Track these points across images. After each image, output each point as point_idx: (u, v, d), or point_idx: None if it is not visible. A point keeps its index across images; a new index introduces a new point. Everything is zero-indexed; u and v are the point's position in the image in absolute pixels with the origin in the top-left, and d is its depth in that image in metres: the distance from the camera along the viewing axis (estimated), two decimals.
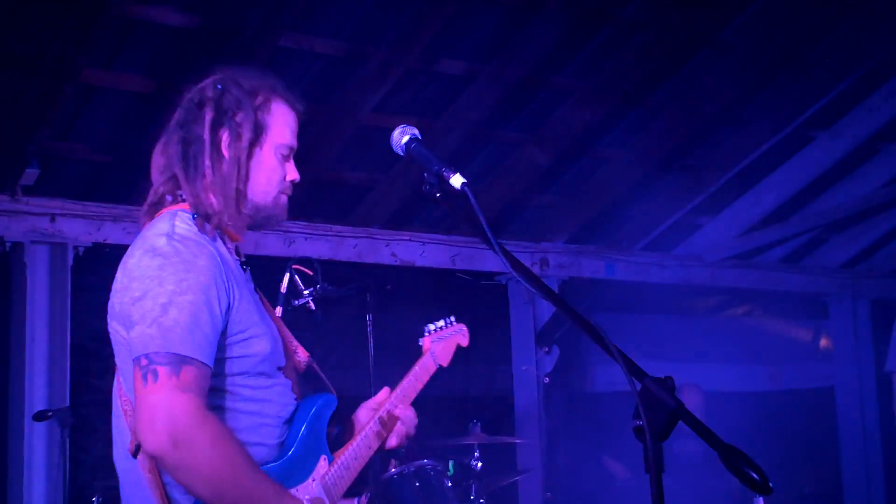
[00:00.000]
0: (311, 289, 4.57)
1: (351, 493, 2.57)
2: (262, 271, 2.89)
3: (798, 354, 9.32)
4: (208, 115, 2.43)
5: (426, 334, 3.06)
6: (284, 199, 2.54)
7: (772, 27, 6.16)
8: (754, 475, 1.77)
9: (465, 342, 3.17)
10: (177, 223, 2.37)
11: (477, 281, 7.21)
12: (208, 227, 2.40)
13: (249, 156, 2.45)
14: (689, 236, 8.05)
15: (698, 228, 8.03)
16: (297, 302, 4.52)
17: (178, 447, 2.16)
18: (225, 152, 2.43)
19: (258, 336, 2.38)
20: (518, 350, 7.31)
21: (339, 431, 2.65)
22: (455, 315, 3.17)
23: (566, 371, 7.43)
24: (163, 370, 2.19)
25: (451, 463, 4.98)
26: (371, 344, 4.97)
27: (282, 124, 2.51)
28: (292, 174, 2.54)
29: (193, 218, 2.40)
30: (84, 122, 5.47)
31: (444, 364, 3.05)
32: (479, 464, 5.13)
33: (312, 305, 4.62)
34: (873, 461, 8.42)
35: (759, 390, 8.98)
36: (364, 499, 2.66)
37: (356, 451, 2.61)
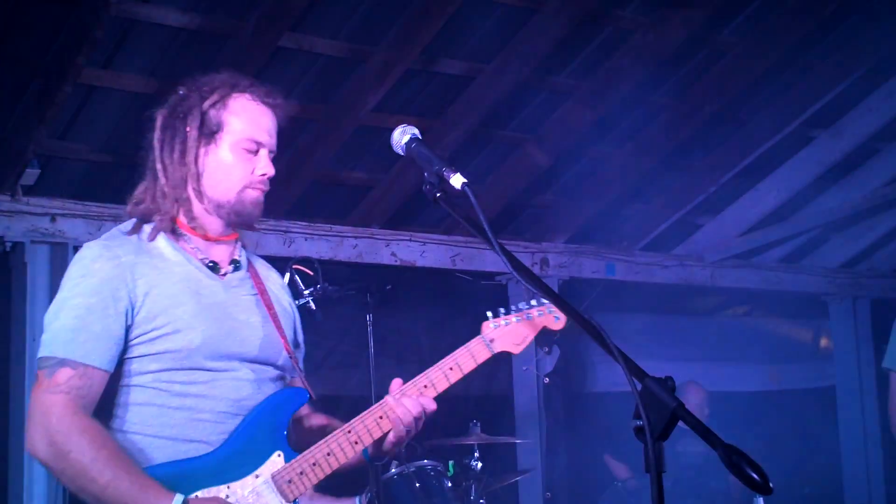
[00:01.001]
0: (312, 289, 4.58)
1: (350, 492, 2.55)
2: None
3: (798, 354, 9.32)
4: (158, 122, 2.47)
5: (490, 317, 2.57)
6: (254, 194, 2.47)
7: (772, 27, 6.16)
8: (755, 475, 1.76)
9: (555, 324, 2.59)
10: (115, 229, 2.45)
11: (477, 281, 7.20)
12: (145, 227, 2.43)
13: (199, 154, 2.44)
14: (689, 236, 8.04)
15: (698, 228, 8.03)
16: (297, 302, 4.51)
17: (44, 448, 2.23)
18: (175, 155, 2.44)
19: (183, 330, 2.35)
20: None
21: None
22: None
23: (566, 371, 7.42)
24: (41, 374, 2.27)
25: (451, 463, 4.97)
26: (371, 344, 4.96)
27: (243, 119, 2.46)
28: (263, 168, 2.47)
29: (137, 221, 2.45)
30: (84, 121, 5.46)
31: (514, 351, 2.58)
32: (479, 464, 5.13)
33: (313, 305, 4.62)
34: (873, 461, 8.40)
35: (759, 390, 8.98)
36: (364, 498, 2.65)
37: (329, 448, 2.41)
